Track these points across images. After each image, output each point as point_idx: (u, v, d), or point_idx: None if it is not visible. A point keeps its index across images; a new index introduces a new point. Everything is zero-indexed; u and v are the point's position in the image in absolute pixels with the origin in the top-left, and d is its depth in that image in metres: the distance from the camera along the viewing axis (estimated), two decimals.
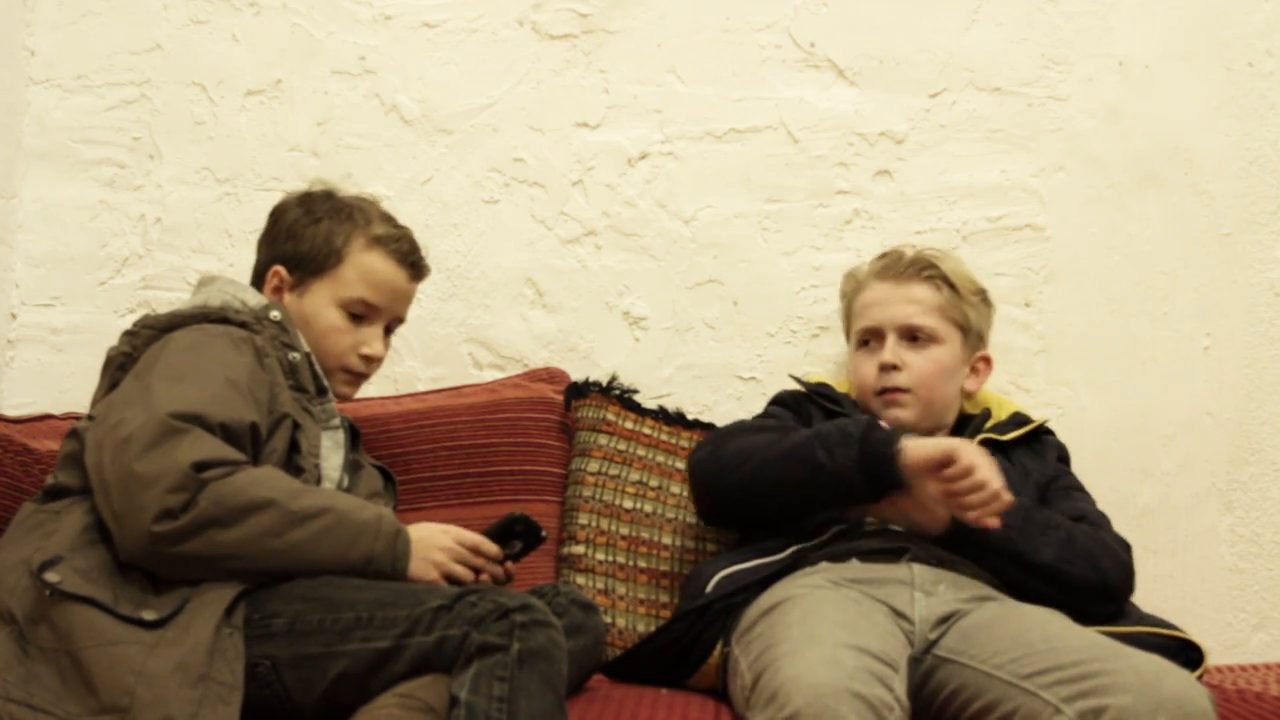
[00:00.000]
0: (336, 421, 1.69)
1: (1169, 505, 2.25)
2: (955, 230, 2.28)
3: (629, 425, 2.04)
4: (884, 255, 2.00)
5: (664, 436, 2.06)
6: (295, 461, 1.55)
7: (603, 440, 2.01)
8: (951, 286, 1.92)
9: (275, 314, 1.65)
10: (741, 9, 2.33)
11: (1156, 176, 2.31)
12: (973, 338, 1.96)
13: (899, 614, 1.58)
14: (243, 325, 1.58)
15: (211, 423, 1.43)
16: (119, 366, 1.56)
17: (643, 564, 1.93)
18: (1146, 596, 1.82)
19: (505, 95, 2.32)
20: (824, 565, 1.66)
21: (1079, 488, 1.90)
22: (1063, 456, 1.97)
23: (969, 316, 1.94)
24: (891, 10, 2.33)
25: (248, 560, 1.40)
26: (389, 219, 1.79)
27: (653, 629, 1.87)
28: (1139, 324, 2.29)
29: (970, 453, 1.55)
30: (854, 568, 1.65)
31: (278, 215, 1.77)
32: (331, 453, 1.66)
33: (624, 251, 2.29)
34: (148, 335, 1.56)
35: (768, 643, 1.44)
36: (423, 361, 2.27)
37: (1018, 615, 1.52)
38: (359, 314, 1.72)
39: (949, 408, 1.95)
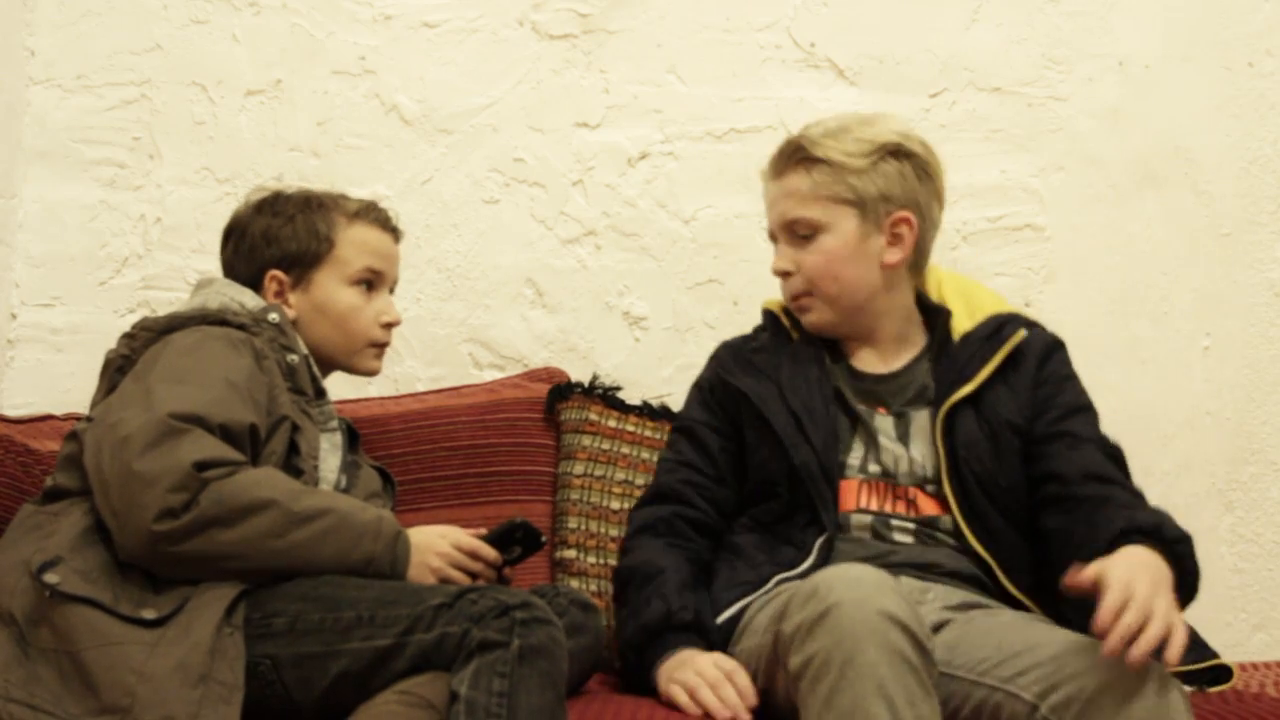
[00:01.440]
0: (334, 424, 1.69)
1: (1169, 505, 2.20)
2: (955, 230, 2.28)
3: (612, 424, 2.01)
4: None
5: (648, 433, 2.02)
6: (293, 463, 1.55)
7: (586, 441, 1.99)
8: (826, 163, 1.68)
9: (274, 316, 1.65)
10: (741, 9, 2.33)
11: (1156, 176, 2.31)
12: (874, 205, 1.69)
13: None
14: (241, 327, 1.58)
15: (211, 424, 1.43)
16: (118, 369, 1.56)
17: None
18: None
19: (505, 95, 2.32)
20: None
21: (1076, 406, 1.69)
22: (1047, 358, 1.73)
23: (858, 186, 1.68)
24: (891, 10, 2.33)
25: (248, 560, 1.40)
26: (348, 196, 1.80)
27: None
28: (1139, 324, 2.29)
29: None
30: None
31: (241, 230, 1.75)
32: (329, 455, 1.66)
33: (624, 251, 2.29)
34: (146, 337, 1.56)
35: (793, 588, 1.40)
36: (423, 361, 2.28)
37: (1001, 624, 1.50)
38: (369, 283, 1.74)
39: (870, 295, 1.72)
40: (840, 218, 1.69)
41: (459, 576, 1.50)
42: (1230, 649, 2.17)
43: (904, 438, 1.69)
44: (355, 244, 1.74)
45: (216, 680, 1.30)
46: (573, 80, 2.32)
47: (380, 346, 1.77)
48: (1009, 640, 1.42)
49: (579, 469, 1.98)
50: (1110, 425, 2.25)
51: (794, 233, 1.72)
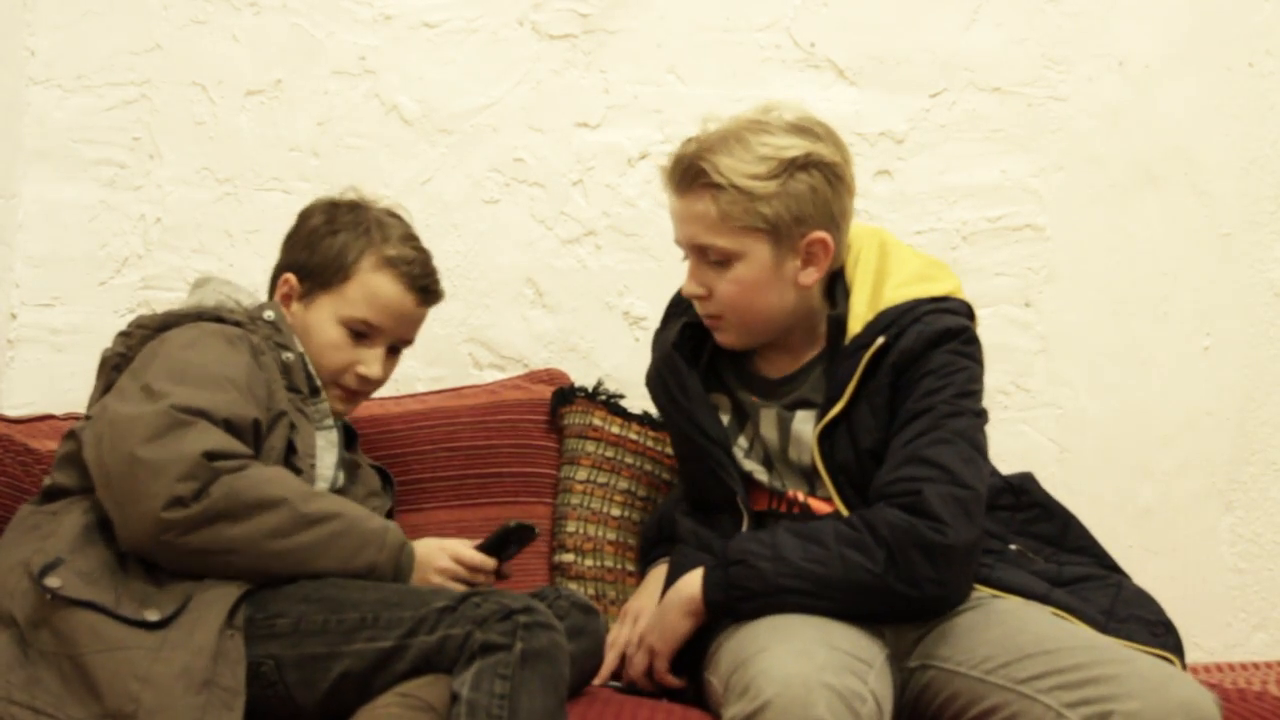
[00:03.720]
0: (330, 421, 1.69)
1: (1169, 505, 2.25)
2: (955, 230, 2.28)
3: (615, 430, 2.01)
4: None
5: (650, 443, 2.01)
6: (291, 461, 1.55)
7: (590, 448, 1.99)
8: (734, 189, 1.57)
9: (269, 314, 1.65)
10: (741, 9, 2.33)
11: (1156, 176, 2.31)
12: (787, 229, 1.58)
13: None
14: (237, 324, 1.58)
15: (216, 418, 1.43)
16: (114, 367, 1.56)
17: (631, 568, 1.93)
18: None
19: (505, 95, 2.32)
20: None
21: (913, 411, 1.56)
22: (911, 362, 1.58)
23: (767, 214, 1.57)
24: (891, 10, 2.33)
25: (249, 558, 1.40)
26: (410, 239, 1.74)
27: None
28: (1139, 324, 2.29)
29: None
30: None
31: (303, 219, 1.75)
32: (325, 452, 1.65)
33: (624, 251, 2.29)
34: (142, 335, 1.56)
35: (739, 651, 1.42)
36: (423, 361, 2.27)
37: (1000, 617, 1.48)
38: (360, 333, 1.69)
39: (784, 315, 1.66)
40: (753, 246, 1.60)
41: (459, 589, 1.50)
42: (1230, 649, 2.18)
43: (784, 438, 1.66)
44: (367, 289, 1.68)
45: (220, 686, 1.30)
46: (573, 80, 2.32)
47: (348, 391, 1.71)
48: (1016, 637, 1.41)
49: (582, 474, 1.97)
50: (1110, 425, 2.26)
51: (705, 257, 1.63)
